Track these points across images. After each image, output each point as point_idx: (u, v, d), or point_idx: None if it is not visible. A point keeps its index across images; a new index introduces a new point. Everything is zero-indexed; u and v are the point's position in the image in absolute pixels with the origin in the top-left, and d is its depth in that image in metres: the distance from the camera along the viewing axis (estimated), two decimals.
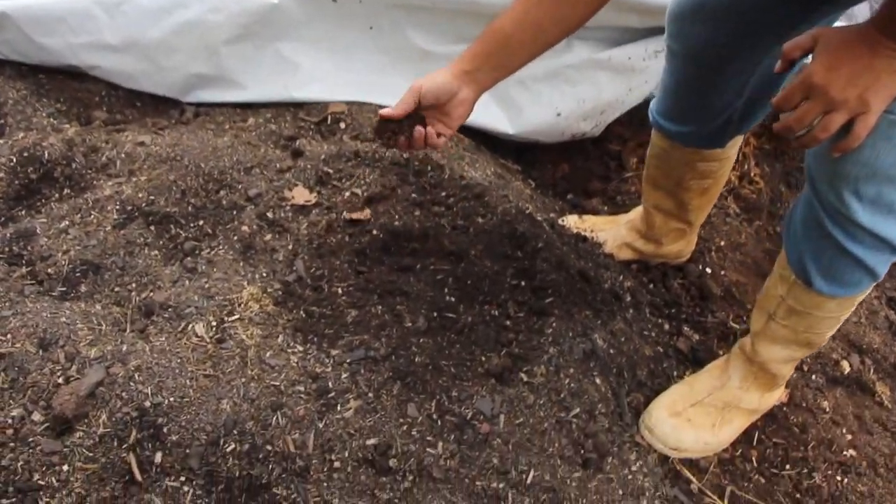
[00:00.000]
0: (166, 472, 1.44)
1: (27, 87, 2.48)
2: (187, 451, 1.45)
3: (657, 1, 2.42)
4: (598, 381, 1.83)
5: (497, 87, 2.57)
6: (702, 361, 2.09)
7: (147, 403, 1.48)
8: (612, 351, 1.92)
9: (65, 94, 2.51)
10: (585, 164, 2.81)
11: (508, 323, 1.79)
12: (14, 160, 2.10)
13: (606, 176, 2.77)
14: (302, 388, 1.57)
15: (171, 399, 1.50)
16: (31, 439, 1.45)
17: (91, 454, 1.44)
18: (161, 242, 1.91)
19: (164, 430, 1.46)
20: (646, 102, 2.68)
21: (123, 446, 1.45)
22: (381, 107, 2.59)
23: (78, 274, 1.81)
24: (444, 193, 2.13)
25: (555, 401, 1.73)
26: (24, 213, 2.03)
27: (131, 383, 1.51)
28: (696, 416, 1.84)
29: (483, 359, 1.70)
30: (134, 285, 1.80)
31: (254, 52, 2.45)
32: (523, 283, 1.88)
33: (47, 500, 1.41)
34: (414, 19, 2.47)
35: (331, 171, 2.17)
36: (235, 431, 1.48)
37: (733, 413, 1.88)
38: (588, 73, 2.58)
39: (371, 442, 1.52)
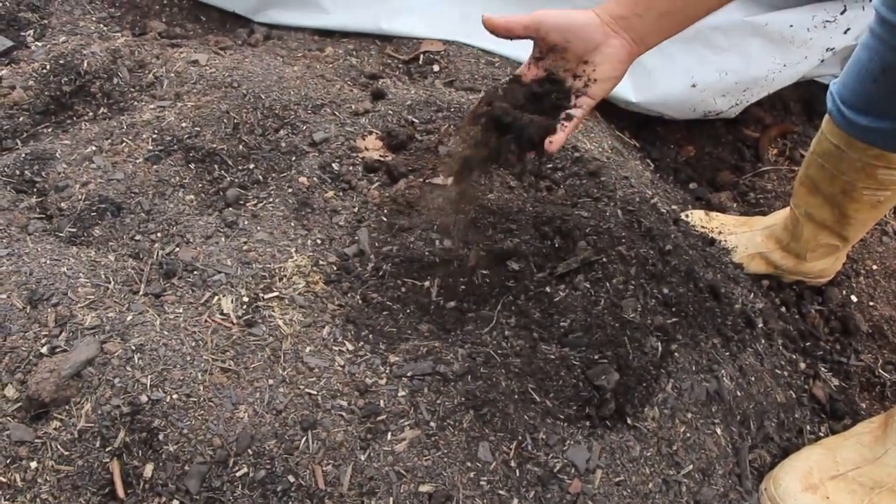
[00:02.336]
0: (156, 490, 1.16)
1: None
2: (186, 467, 1.16)
3: None
4: (718, 430, 1.49)
5: None
6: (840, 415, 1.78)
7: (143, 398, 1.19)
8: (739, 393, 1.58)
9: None
10: (715, 150, 2.46)
11: (623, 345, 1.40)
12: (48, 67, 1.86)
13: (739, 167, 2.43)
14: (345, 403, 1.24)
15: (175, 396, 1.20)
16: None
17: (67, 452, 1.19)
18: (199, 185, 1.62)
19: (160, 435, 1.17)
20: (797, 85, 2.35)
21: (107, 449, 1.18)
22: (485, 52, 2.35)
23: (94, 213, 1.54)
24: (550, 165, 1.77)
25: (665, 454, 1.38)
26: (49, 130, 1.75)
27: (128, 367, 1.21)
28: (836, 494, 1.53)
29: (585, 392, 1.31)
30: (158, 235, 1.51)
31: None
32: (648, 295, 1.48)
33: (7, 502, 1.19)
34: None
35: (416, 120, 1.84)
36: (251, 451, 1.17)
37: (886, 498, 1.54)
38: (737, 38, 2.21)
39: (425, 489, 1.18)
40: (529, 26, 1.19)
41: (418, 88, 2.01)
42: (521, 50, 2.24)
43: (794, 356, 1.83)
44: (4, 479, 1.14)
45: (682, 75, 2.25)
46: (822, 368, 1.87)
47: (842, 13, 2.12)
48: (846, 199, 1.73)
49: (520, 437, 1.26)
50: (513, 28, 1.20)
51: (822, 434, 1.71)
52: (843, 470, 1.55)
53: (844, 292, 2.07)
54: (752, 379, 1.61)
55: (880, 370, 1.92)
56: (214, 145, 1.67)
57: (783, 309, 1.97)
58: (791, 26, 2.18)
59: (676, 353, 1.46)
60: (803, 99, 2.54)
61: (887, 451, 1.55)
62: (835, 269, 2.03)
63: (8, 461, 1.15)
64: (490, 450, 1.23)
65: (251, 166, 1.68)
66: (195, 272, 1.41)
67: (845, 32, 2.15)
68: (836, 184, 1.71)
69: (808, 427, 1.70)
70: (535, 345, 1.38)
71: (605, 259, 1.51)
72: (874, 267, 2.17)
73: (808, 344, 1.91)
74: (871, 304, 2.08)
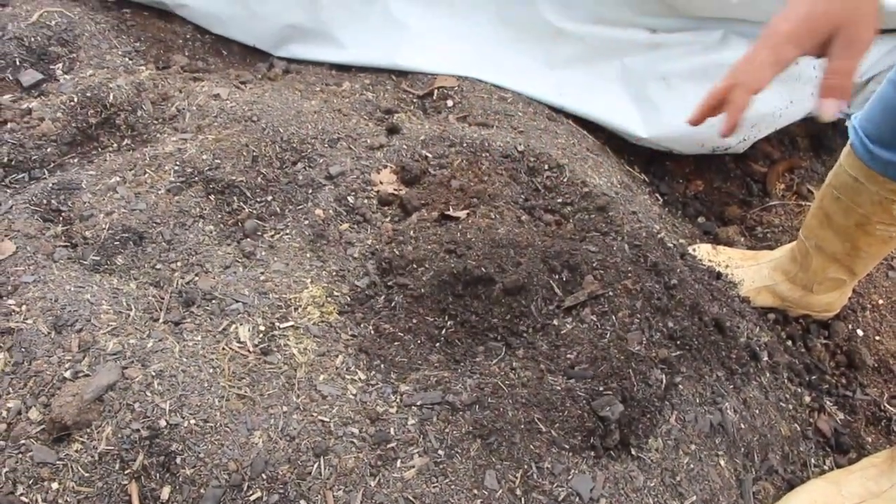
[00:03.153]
0: None
1: (108, 20, 2.26)
2: (202, 490, 1.18)
3: None
4: (722, 462, 1.49)
5: (633, 82, 2.29)
6: (845, 448, 1.78)
7: (162, 422, 1.21)
8: (742, 425, 1.58)
9: (147, 33, 2.28)
10: (724, 185, 2.48)
11: (628, 378, 1.42)
12: (75, 100, 1.89)
13: (747, 201, 2.43)
14: (356, 431, 1.26)
15: (193, 421, 1.22)
16: (22, 441, 1.25)
17: (87, 474, 1.21)
18: (219, 216, 1.65)
19: (178, 459, 1.20)
20: (805, 121, 2.38)
21: (126, 472, 1.20)
22: (498, 87, 2.37)
23: (117, 242, 1.56)
24: (560, 200, 1.78)
25: (668, 484, 1.39)
26: (75, 160, 1.79)
27: (148, 392, 1.23)
28: None
29: (590, 422, 1.33)
30: (179, 264, 1.53)
31: (359, 6, 2.24)
32: (653, 328, 1.50)
33: None
34: None
35: (429, 155, 1.85)
36: (265, 476, 1.20)
37: None
38: None
39: None
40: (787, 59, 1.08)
41: (432, 123, 2.04)
42: (532, 87, 2.27)
43: (799, 389, 1.83)
44: (27, 500, 1.17)
45: (691, 111, 2.26)
46: (828, 402, 1.86)
47: None
48: (859, 233, 1.72)
49: (525, 466, 1.27)
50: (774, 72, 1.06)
51: (826, 468, 1.70)
52: None
53: (850, 326, 2.06)
54: (757, 411, 1.62)
55: (886, 404, 1.91)
56: (234, 177, 1.70)
57: (789, 342, 1.97)
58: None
59: (680, 386, 1.48)
60: (810, 134, 2.55)
61: (893, 485, 1.55)
62: (840, 304, 2.02)
63: (30, 482, 1.18)
64: (496, 478, 1.25)
65: (269, 198, 1.71)
66: (213, 301, 1.45)
67: None
68: (851, 217, 1.70)
69: (812, 460, 1.70)
70: (541, 376, 1.40)
71: (611, 293, 1.53)
72: (880, 301, 2.17)
73: (813, 377, 1.90)
74: (877, 338, 2.07)
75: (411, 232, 1.65)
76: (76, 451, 1.20)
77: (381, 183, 1.77)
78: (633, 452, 1.37)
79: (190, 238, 1.58)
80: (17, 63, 2.00)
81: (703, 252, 2.04)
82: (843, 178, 1.66)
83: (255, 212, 1.68)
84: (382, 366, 1.40)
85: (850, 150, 1.63)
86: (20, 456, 1.20)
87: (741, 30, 2.20)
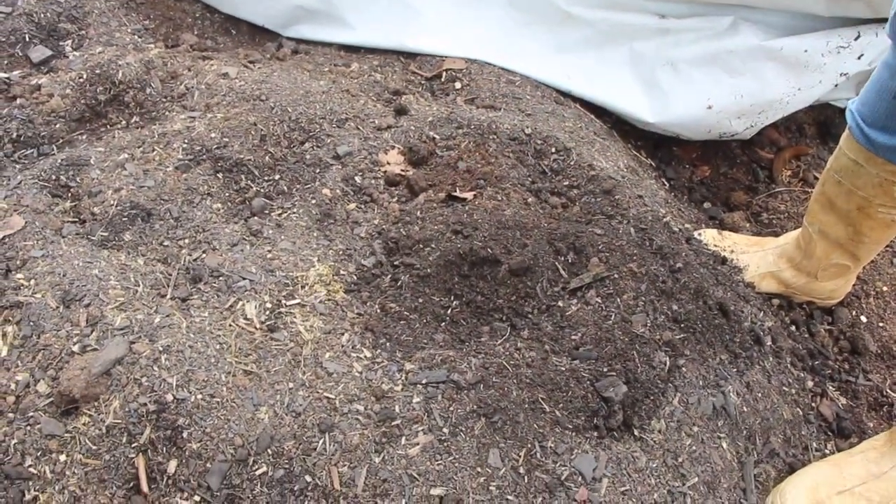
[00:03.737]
0: (179, 486, 1.20)
1: None
2: (208, 465, 1.20)
3: None
4: (724, 444, 1.50)
5: (642, 67, 2.29)
6: (846, 433, 1.78)
7: (169, 396, 1.23)
8: (745, 409, 1.59)
9: (156, 11, 2.28)
10: (730, 171, 2.47)
11: (632, 359, 1.42)
12: (84, 76, 1.90)
13: (753, 187, 2.43)
14: (361, 408, 1.27)
15: (199, 396, 1.23)
16: (31, 414, 1.26)
17: (95, 447, 1.23)
18: (227, 194, 1.65)
19: (185, 433, 1.21)
20: (812, 108, 2.38)
21: (133, 445, 1.22)
22: (506, 70, 2.37)
23: (125, 218, 1.57)
24: (566, 182, 1.79)
25: (670, 465, 1.40)
26: (84, 137, 1.80)
27: (155, 367, 1.25)
28: None
29: (594, 403, 1.34)
30: (186, 241, 1.54)
31: None
32: (657, 311, 1.51)
33: (36, 492, 1.19)
34: None
35: (437, 136, 1.85)
36: (270, 451, 1.21)
37: None
38: (753, 62, 2.22)
39: (436, 492, 1.21)
40: None
41: (440, 105, 2.04)
42: (540, 71, 2.27)
43: (802, 374, 1.83)
44: (35, 471, 1.19)
45: (699, 97, 2.25)
46: (830, 387, 1.87)
47: (856, 39, 2.12)
48: (861, 216, 1.72)
49: (529, 445, 1.28)
50: None
51: (828, 451, 1.72)
52: (849, 485, 1.55)
53: (854, 313, 2.06)
54: (759, 395, 1.62)
55: (888, 390, 1.91)
56: (242, 156, 1.71)
57: (793, 328, 1.97)
58: (806, 51, 2.18)
59: (684, 368, 1.49)
60: (818, 122, 2.54)
61: (894, 465, 1.55)
62: (844, 291, 2.02)
63: (38, 454, 1.20)
64: (500, 456, 1.26)
65: (277, 177, 1.72)
66: (221, 278, 1.45)
67: (859, 58, 2.15)
68: (853, 200, 1.70)
69: (814, 444, 1.71)
70: (546, 356, 1.41)
71: (616, 275, 1.53)
72: (884, 288, 2.17)
73: (816, 362, 1.90)
74: (880, 324, 2.07)
75: (418, 212, 1.66)
76: (84, 424, 1.22)
77: (389, 163, 1.77)
78: (636, 433, 1.38)
79: (198, 215, 1.59)
80: (27, 39, 2.01)
81: (709, 237, 2.04)
82: (844, 162, 1.66)
83: (262, 190, 1.69)
84: (388, 344, 1.41)
85: (849, 133, 1.63)
86: (28, 428, 1.22)
87: (751, 16, 2.19)
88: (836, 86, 2.23)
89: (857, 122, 1.58)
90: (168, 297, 1.41)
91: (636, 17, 2.21)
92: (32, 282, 1.37)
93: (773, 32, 2.21)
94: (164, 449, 1.20)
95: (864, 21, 2.12)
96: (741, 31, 2.19)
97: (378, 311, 1.47)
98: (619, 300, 1.49)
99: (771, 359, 1.75)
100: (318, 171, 1.75)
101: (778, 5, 2.14)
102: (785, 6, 2.14)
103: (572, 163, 1.84)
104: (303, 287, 1.46)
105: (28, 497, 1.18)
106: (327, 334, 1.39)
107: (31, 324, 1.31)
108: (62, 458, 1.20)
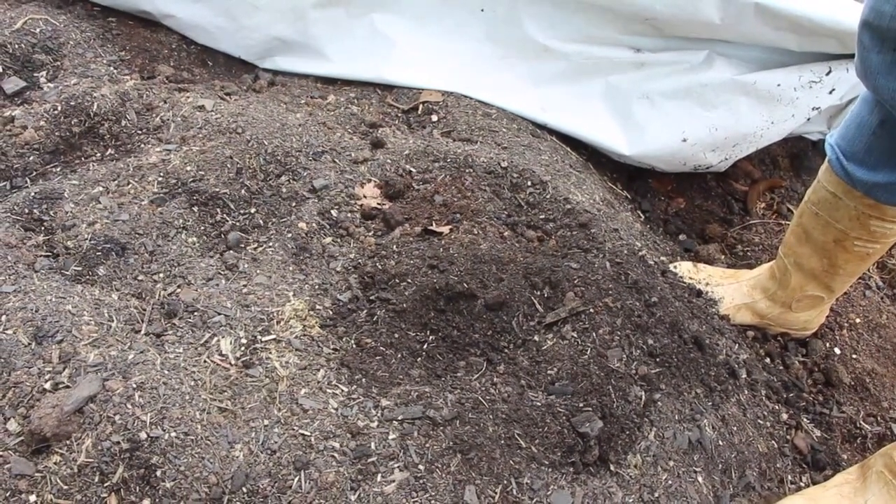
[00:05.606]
0: None
1: (93, 29, 2.24)
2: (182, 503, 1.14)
3: (822, 21, 2.04)
4: (700, 479, 1.51)
5: (617, 100, 2.31)
6: (821, 466, 1.79)
7: (143, 435, 1.21)
8: (720, 442, 1.59)
9: (132, 43, 2.27)
10: (705, 203, 2.49)
11: (608, 394, 1.43)
12: (59, 108, 1.88)
13: (728, 219, 2.45)
14: (337, 445, 1.26)
15: (174, 434, 1.21)
16: (0, 453, 1.20)
17: (66, 487, 1.20)
18: (202, 228, 1.64)
19: (158, 472, 1.19)
20: (785, 140, 2.40)
21: (105, 484, 1.20)
22: (483, 103, 2.38)
23: (100, 252, 1.55)
24: (542, 216, 1.79)
25: (647, 500, 1.40)
26: (58, 170, 1.78)
27: (128, 405, 1.23)
28: None
29: (570, 438, 1.34)
30: (161, 275, 1.53)
31: (345, 21, 2.23)
32: (633, 345, 1.51)
33: None
34: (534, 8, 2.19)
35: (413, 170, 1.86)
36: (245, 489, 1.20)
37: None
38: (727, 96, 2.25)
39: None
40: None
41: (416, 138, 2.04)
42: (517, 104, 2.29)
43: (776, 407, 1.83)
44: None
45: (674, 130, 2.28)
46: (805, 419, 1.87)
47: (827, 74, 2.16)
48: (838, 249, 1.73)
49: (505, 481, 1.28)
50: None
51: (803, 484, 1.71)
52: None
53: (828, 345, 2.07)
54: (735, 429, 1.63)
55: (862, 422, 1.92)
56: (217, 189, 1.70)
57: (767, 360, 1.97)
58: (779, 85, 2.21)
59: (660, 403, 1.49)
60: (791, 154, 2.57)
61: (867, 501, 1.55)
62: (818, 322, 2.03)
63: (7, 494, 1.17)
64: (476, 493, 1.25)
65: (252, 210, 1.71)
66: (196, 313, 1.44)
67: (830, 92, 2.19)
68: (830, 232, 1.71)
69: (789, 477, 1.71)
70: (522, 391, 1.40)
71: (592, 310, 1.54)
72: (857, 320, 2.18)
73: (791, 395, 1.90)
74: (853, 356, 2.08)
75: (394, 246, 1.66)
76: (55, 463, 1.19)
77: (365, 197, 1.77)
78: (612, 468, 1.38)
79: (172, 249, 1.58)
80: (1, 70, 1.99)
81: (684, 270, 2.05)
82: (822, 194, 1.67)
83: (238, 224, 1.68)
84: (364, 380, 1.40)
85: (828, 166, 1.64)
86: None
87: (725, 51, 2.22)
88: (808, 119, 2.26)
89: (837, 155, 1.60)
90: (142, 332, 1.40)
91: (612, 50, 2.24)
92: (3, 318, 1.35)
93: (747, 67, 2.24)
94: (138, 488, 1.18)
95: (835, 56, 2.15)
96: (715, 65, 2.22)
97: (354, 346, 1.46)
98: (594, 335, 1.50)
99: (746, 391, 1.76)
100: (294, 204, 1.74)
101: (751, 39, 2.17)
102: (757, 40, 2.17)
103: (548, 196, 1.85)
104: (278, 322, 1.45)
105: None
106: (303, 370, 1.38)
107: (2, 360, 1.28)
108: (32, 498, 1.17)
